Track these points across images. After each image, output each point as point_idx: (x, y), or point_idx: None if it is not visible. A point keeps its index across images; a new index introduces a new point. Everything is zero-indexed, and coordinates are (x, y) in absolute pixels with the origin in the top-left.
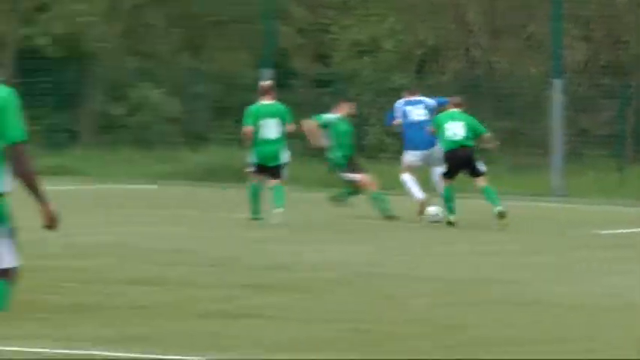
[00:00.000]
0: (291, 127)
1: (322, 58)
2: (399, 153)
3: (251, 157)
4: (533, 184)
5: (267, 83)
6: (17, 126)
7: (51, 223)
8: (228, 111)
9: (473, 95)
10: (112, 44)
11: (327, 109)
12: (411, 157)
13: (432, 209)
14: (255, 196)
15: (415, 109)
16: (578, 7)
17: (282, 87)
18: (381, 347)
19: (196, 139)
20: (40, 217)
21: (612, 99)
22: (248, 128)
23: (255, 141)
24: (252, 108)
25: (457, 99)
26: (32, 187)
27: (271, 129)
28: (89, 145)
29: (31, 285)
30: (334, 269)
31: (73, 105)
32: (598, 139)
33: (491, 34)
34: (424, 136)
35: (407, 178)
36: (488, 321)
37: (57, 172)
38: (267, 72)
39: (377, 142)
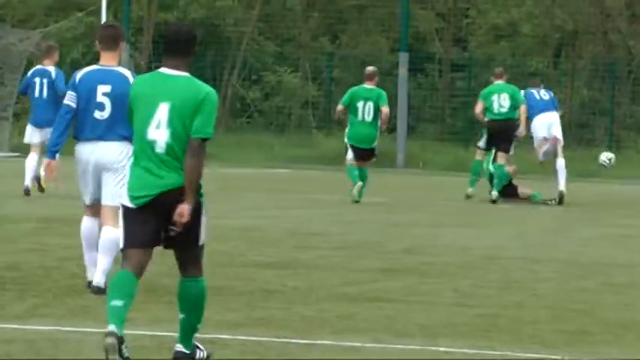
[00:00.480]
0: (385, 110)
1: (460, 42)
2: (532, 138)
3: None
4: None
5: (370, 68)
6: (208, 123)
7: (180, 218)
8: None
9: (609, 80)
10: (250, 29)
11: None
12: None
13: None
14: (351, 176)
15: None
16: None
17: (418, 71)
18: (509, 333)
19: (331, 123)
20: (178, 209)
21: None
22: (340, 107)
23: (351, 122)
24: (352, 89)
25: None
26: (192, 182)
27: (367, 112)
28: (225, 129)
29: (159, 269)
30: (462, 253)
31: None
32: None
33: (630, 18)
34: None
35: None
36: (616, 305)
37: None
38: (404, 56)
39: None
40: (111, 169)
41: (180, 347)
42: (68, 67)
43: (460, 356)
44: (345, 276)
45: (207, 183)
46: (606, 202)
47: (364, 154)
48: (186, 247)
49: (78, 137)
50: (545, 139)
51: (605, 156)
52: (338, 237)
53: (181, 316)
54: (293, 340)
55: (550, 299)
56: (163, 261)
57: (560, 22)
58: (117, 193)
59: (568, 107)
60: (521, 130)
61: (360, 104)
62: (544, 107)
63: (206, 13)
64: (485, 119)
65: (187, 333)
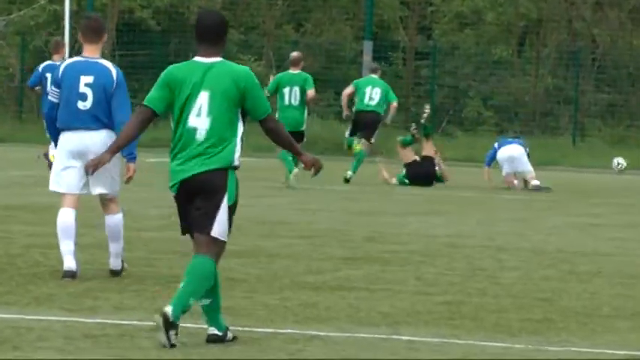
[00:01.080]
0: (310, 94)
1: (424, 30)
2: (497, 126)
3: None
4: (633, 156)
5: (295, 54)
6: (262, 101)
7: (314, 165)
8: (329, 84)
9: (574, 68)
10: None
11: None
12: None
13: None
14: (286, 162)
15: None
16: None
17: (382, 59)
18: (473, 321)
19: None
20: (303, 166)
21: None
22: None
23: (279, 107)
24: (277, 76)
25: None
26: (292, 148)
27: (294, 97)
28: None
29: (127, 257)
30: (427, 241)
31: None
32: None
33: (594, 6)
34: None
35: None
36: (581, 293)
37: (154, 144)
38: (368, 44)
39: (475, 115)
40: (89, 157)
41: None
42: (31, 54)
43: (423, 345)
44: (309, 264)
45: (166, 173)
46: (572, 190)
47: (294, 138)
48: (202, 227)
49: (63, 127)
50: (509, 176)
51: (617, 160)
52: (302, 225)
53: (182, 283)
54: (256, 329)
55: (515, 288)
56: (134, 248)
57: (525, 10)
58: (115, 181)
59: (532, 95)
60: (386, 120)
61: (286, 90)
62: (508, 142)
63: (170, 0)
64: (354, 109)
65: (178, 299)
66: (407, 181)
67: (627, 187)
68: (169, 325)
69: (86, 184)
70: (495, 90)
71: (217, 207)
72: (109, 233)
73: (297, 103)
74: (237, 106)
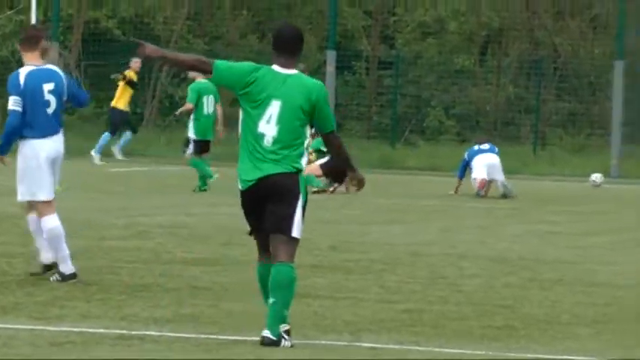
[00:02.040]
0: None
1: (387, 39)
2: (459, 135)
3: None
4: (593, 165)
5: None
6: (329, 118)
7: (359, 185)
8: None
9: (535, 78)
10: (179, 27)
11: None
12: None
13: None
14: (204, 169)
15: None
16: None
17: (345, 68)
18: (434, 328)
19: None
20: (351, 182)
21: None
22: (190, 106)
23: (196, 117)
24: (196, 87)
25: None
26: (347, 162)
27: (209, 105)
28: (154, 126)
29: (90, 266)
30: (389, 249)
31: (139, 86)
32: None
33: (556, 15)
34: None
35: None
36: (543, 301)
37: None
38: (331, 54)
39: (437, 125)
40: (60, 160)
41: (267, 333)
42: None
43: (385, 352)
44: None
45: (136, 180)
46: (532, 198)
47: (208, 147)
48: (280, 229)
49: (31, 135)
50: (482, 181)
51: (595, 176)
52: None
53: (271, 300)
54: (221, 337)
55: (476, 295)
56: (96, 257)
57: (487, 19)
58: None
59: (494, 104)
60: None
61: (204, 99)
62: (483, 151)
63: (135, 10)
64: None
65: (274, 318)
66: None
67: (587, 195)
68: (276, 343)
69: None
70: (457, 99)
71: (294, 209)
72: (55, 236)
73: (212, 111)
74: (307, 118)
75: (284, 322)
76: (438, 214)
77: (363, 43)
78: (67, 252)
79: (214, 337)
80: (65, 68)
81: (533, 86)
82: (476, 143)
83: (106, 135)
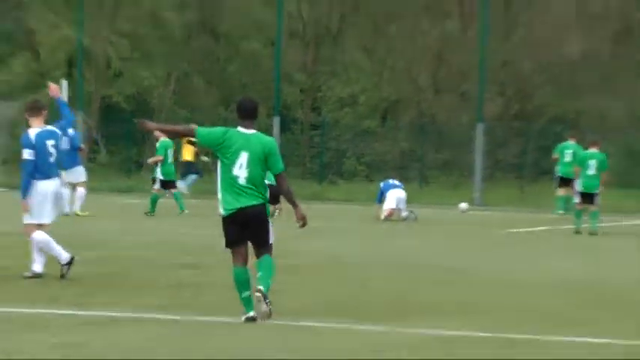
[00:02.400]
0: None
1: (316, 109)
2: (367, 177)
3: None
4: (461, 197)
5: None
6: (278, 162)
7: (303, 220)
8: None
9: (420, 135)
10: (168, 100)
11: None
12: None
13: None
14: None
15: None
16: (496, 71)
17: (287, 130)
18: (355, 311)
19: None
20: (296, 218)
21: (519, 137)
22: (160, 157)
23: (163, 164)
24: (163, 144)
25: None
26: (291, 199)
27: (171, 156)
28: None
29: (111, 268)
30: (315, 257)
31: (139, 143)
32: (508, 166)
33: (435, 91)
34: None
35: None
36: (433, 294)
37: (127, 190)
38: (277, 119)
39: (352, 169)
40: (60, 194)
41: (260, 287)
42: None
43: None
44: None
45: (139, 209)
46: (422, 222)
47: (172, 184)
48: (262, 244)
49: (40, 178)
50: (390, 211)
51: (462, 205)
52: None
53: (259, 274)
54: (202, 318)
55: (379, 291)
56: (111, 263)
57: (386, 93)
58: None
59: (392, 155)
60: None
61: (169, 152)
62: (396, 186)
63: (136, 89)
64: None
65: (263, 281)
66: None
67: (457, 218)
68: (265, 296)
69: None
70: (366, 151)
71: (267, 229)
72: (49, 243)
73: (172, 160)
74: (264, 163)
75: (268, 288)
76: (353, 232)
77: (299, 112)
78: (55, 253)
79: (198, 318)
80: (88, 130)
81: (419, 142)
82: (389, 178)
83: (194, 177)
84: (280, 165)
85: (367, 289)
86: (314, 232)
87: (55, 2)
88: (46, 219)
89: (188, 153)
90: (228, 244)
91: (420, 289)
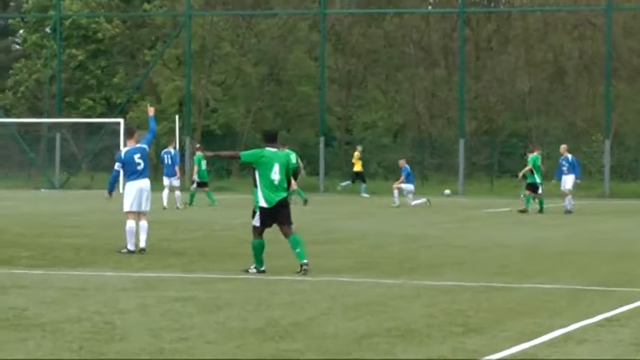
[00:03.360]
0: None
1: (348, 131)
2: (385, 177)
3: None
4: (450, 189)
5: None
6: (293, 164)
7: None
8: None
9: (421, 147)
10: (247, 127)
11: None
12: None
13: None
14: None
15: None
16: (471, 102)
17: (328, 146)
18: (377, 269)
19: None
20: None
21: (487, 147)
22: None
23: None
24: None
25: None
26: (296, 175)
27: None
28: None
29: (208, 243)
30: (348, 232)
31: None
32: (481, 167)
33: (430, 117)
34: None
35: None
36: (434, 256)
37: (220, 189)
38: (322, 138)
39: (374, 171)
40: (148, 192)
41: (304, 262)
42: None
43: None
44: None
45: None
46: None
47: (206, 184)
48: (287, 223)
49: (132, 179)
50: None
51: (447, 192)
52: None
53: (297, 250)
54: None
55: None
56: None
57: (397, 119)
58: (148, 201)
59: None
60: None
61: (202, 163)
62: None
63: (226, 120)
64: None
65: (302, 256)
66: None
67: (444, 203)
68: (307, 265)
69: (139, 205)
70: (383, 159)
71: (290, 212)
72: (143, 228)
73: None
74: (287, 168)
75: (305, 258)
76: (374, 215)
77: (337, 133)
78: (130, 244)
79: (270, 277)
80: (192, 149)
81: (420, 152)
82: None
83: (363, 187)
84: (295, 165)
85: (386, 253)
86: (348, 215)
87: (170, 62)
88: (136, 207)
89: (357, 165)
90: (261, 225)
91: (424, 253)
